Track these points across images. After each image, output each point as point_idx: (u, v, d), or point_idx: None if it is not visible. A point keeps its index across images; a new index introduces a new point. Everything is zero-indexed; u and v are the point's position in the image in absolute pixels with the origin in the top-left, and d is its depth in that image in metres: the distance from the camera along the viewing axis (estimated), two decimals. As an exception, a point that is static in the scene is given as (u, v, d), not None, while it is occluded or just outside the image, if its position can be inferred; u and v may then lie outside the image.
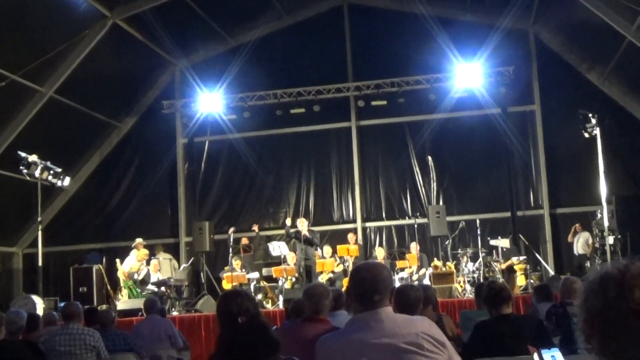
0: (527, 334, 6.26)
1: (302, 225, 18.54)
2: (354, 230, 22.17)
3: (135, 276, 18.73)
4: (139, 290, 18.45)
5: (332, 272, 19.12)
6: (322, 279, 18.62)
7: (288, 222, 19.27)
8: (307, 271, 18.20)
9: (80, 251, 22.81)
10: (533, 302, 9.55)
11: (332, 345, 3.79)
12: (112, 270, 19.85)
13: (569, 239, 20.22)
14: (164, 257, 20.80)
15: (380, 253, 19.88)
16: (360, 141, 23.02)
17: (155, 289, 18.40)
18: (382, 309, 3.71)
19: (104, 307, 17.19)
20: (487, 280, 17.00)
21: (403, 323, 3.72)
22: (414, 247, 19.41)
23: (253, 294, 18.06)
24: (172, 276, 19.72)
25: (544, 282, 17.47)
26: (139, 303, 16.35)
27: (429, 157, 22.44)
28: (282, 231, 20.82)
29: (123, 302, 17.92)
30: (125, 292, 18.67)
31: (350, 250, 19.24)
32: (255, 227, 21.34)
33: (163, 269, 20.19)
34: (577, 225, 20.20)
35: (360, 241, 21.74)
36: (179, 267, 21.41)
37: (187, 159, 23.69)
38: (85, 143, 23.26)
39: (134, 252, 19.56)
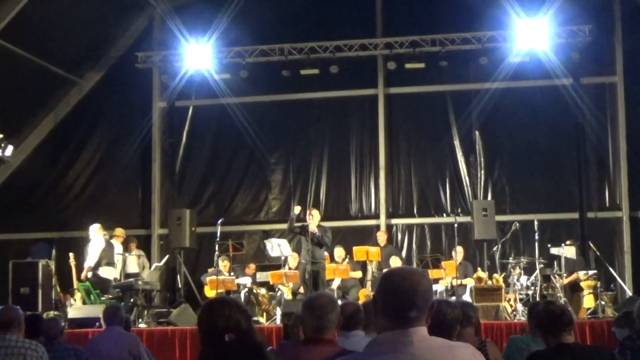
0: (594, 370, 6.23)
1: (313, 218, 18.31)
2: (377, 228, 22.18)
3: (109, 273, 18.77)
4: (98, 294, 18.50)
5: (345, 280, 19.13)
6: (333, 288, 18.58)
7: (296, 210, 18.84)
8: (314, 278, 18.10)
9: (23, 241, 22.91)
10: (614, 330, 9.54)
11: None
12: (63, 267, 19.73)
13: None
14: (132, 254, 20.80)
15: (395, 264, 19.62)
16: (389, 114, 23.01)
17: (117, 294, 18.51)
18: (415, 329, 3.63)
19: (52, 314, 17.18)
20: (544, 299, 16.95)
21: (440, 349, 3.64)
22: (455, 252, 19.34)
23: (243, 302, 18.10)
24: (141, 277, 19.72)
25: (622, 304, 17.41)
26: (96, 310, 16.34)
27: (477, 139, 22.42)
28: (283, 226, 20.74)
29: (76, 308, 17.93)
30: (79, 295, 18.69)
31: (370, 253, 19.19)
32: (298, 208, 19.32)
33: (129, 267, 20.18)
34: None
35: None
36: (150, 266, 21.45)
37: (166, 129, 23.76)
38: (34, 103, 23.30)
39: (98, 237, 19.24)
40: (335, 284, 18.80)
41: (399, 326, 3.62)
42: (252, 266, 20.86)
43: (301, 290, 18.73)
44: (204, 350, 4.60)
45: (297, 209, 18.76)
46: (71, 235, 22.76)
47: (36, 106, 23.41)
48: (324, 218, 19.53)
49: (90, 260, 18.67)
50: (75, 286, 19.04)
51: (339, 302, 6.36)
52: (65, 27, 21.49)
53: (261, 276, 19.51)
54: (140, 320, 17.91)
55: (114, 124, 23.90)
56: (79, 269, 19.40)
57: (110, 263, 19.07)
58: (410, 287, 3.64)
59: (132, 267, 20.59)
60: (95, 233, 18.97)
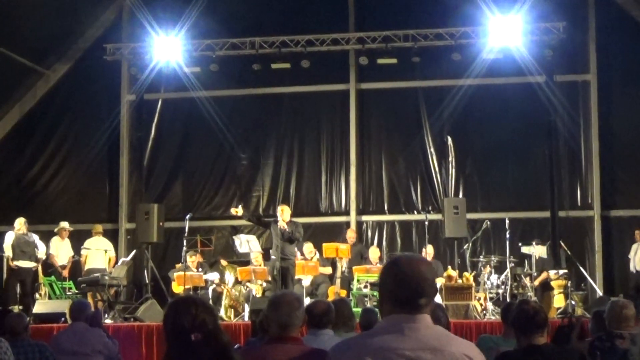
0: (563, 373, 6.22)
1: (283, 213, 18.21)
2: (347, 225, 22.21)
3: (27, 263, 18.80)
4: (64, 288, 18.44)
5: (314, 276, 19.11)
6: (304, 285, 18.60)
7: (237, 211, 18.42)
8: (283, 274, 18.06)
9: (-13, 235, 22.78)
10: (590, 331, 9.56)
11: (356, 351, 3.75)
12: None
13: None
14: (97, 247, 20.65)
15: (374, 254, 19.85)
16: (360, 110, 23.03)
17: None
18: (423, 316, 3.78)
19: (16, 309, 17.08)
20: (514, 298, 17.04)
21: (444, 338, 3.78)
22: (425, 250, 19.37)
23: (211, 301, 18.07)
24: (107, 272, 19.65)
25: (592, 304, 17.50)
26: (62, 306, 16.31)
27: (448, 136, 22.43)
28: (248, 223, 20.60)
29: (41, 303, 17.87)
30: (45, 290, 18.62)
31: (340, 250, 19.19)
32: (237, 210, 18.99)
33: (94, 262, 20.06)
34: (637, 232, 20.21)
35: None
36: (117, 261, 21.36)
37: (134, 122, 23.68)
38: (-1, 94, 23.17)
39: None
40: (306, 282, 18.76)
41: (408, 312, 3.76)
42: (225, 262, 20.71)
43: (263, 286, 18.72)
44: (169, 349, 4.55)
45: (238, 210, 18.54)
46: (36, 228, 22.52)
47: (1, 98, 23.23)
48: (293, 214, 19.46)
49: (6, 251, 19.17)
50: (40, 281, 18.98)
51: (309, 299, 6.38)
52: (32, 17, 21.32)
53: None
54: (106, 315, 17.79)
55: (81, 117, 23.78)
56: (45, 263, 19.38)
57: (25, 252, 19.19)
58: (419, 274, 3.77)
59: (96, 262, 20.38)
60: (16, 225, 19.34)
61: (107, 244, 20.72)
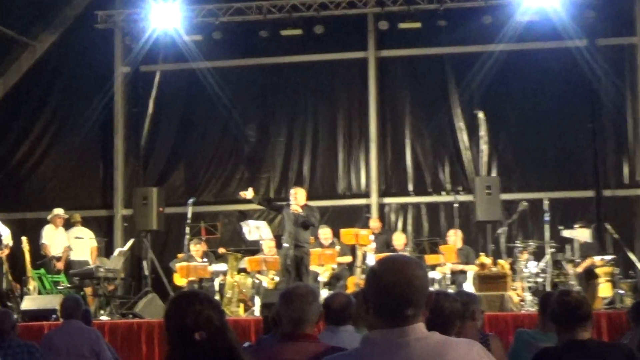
0: (611, 370, 6.22)
1: (297, 196, 18.19)
2: (366, 208, 22.27)
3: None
4: (55, 282, 18.50)
5: (333, 267, 19.11)
6: (323, 276, 18.63)
7: (248, 194, 18.51)
8: (297, 264, 18.07)
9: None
10: (630, 324, 9.56)
11: None
12: (15, 252, 19.67)
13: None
14: (77, 235, 20.70)
15: (399, 240, 19.87)
16: (381, 80, 23.01)
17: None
18: (412, 327, 3.65)
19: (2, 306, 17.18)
20: (555, 287, 17.01)
21: (439, 348, 3.65)
22: (454, 235, 19.39)
23: (218, 294, 18.11)
24: (100, 263, 19.69)
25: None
26: (53, 301, 16.36)
27: (479, 107, 22.28)
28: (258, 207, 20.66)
29: (30, 299, 17.92)
30: (33, 284, 18.68)
31: (360, 236, 19.16)
32: (246, 194, 19.18)
33: (76, 254, 20.12)
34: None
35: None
36: (106, 251, 21.45)
37: (130, 97, 23.73)
38: (-20, 69, 23.21)
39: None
40: (323, 278, 18.75)
41: (394, 325, 3.63)
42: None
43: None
44: (171, 350, 4.57)
45: (247, 193, 18.58)
46: (23, 216, 22.72)
47: (-19, 72, 23.33)
48: (308, 197, 19.38)
49: None
50: (29, 274, 19.03)
51: (326, 291, 6.41)
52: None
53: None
54: (101, 312, 17.89)
55: (70, 92, 23.84)
56: (33, 254, 19.43)
57: None
58: (405, 281, 3.64)
59: (78, 253, 20.44)
60: None
61: (88, 233, 20.79)
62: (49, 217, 20.17)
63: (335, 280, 19.12)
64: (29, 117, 23.91)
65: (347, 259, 19.73)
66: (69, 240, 20.32)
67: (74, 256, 19.95)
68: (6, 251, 18.83)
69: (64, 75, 23.94)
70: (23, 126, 23.90)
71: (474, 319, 7.57)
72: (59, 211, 20.24)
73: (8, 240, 19.17)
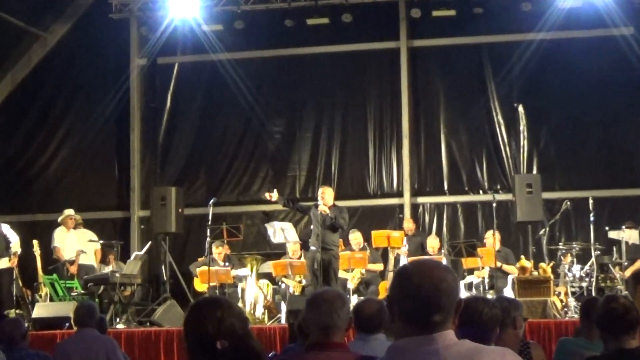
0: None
1: (325, 196, 18.13)
2: (399, 208, 22.25)
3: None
4: (68, 289, 18.49)
5: (362, 272, 19.04)
6: (352, 282, 18.56)
7: (272, 196, 18.39)
8: (325, 268, 18.03)
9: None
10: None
11: None
12: (27, 257, 19.85)
13: None
14: (89, 238, 20.70)
15: (433, 244, 19.76)
16: (413, 72, 22.99)
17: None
18: (440, 335, 3.66)
19: (13, 313, 17.18)
20: (602, 293, 16.86)
21: (471, 357, 3.66)
22: (492, 237, 19.25)
23: (241, 301, 18.03)
24: (115, 268, 19.72)
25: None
26: (66, 309, 16.33)
27: (519, 100, 22.40)
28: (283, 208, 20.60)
29: (42, 306, 17.94)
30: (45, 290, 18.66)
31: (392, 238, 19.22)
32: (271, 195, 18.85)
33: (83, 255, 20.09)
34: None
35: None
36: (129, 255, 21.39)
37: (146, 91, 23.80)
38: (-11, 61, 23.28)
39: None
40: (353, 282, 18.67)
41: (421, 332, 3.66)
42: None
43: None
44: (191, 359, 4.55)
45: (273, 195, 18.43)
46: (34, 218, 22.79)
47: (-10, 65, 23.41)
48: (336, 197, 19.40)
49: None
50: (40, 279, 19.04)
51: (356, 298, 6.35)
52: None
53: (262, 267, 19.43)
54: (117, 320, 17.93)
55: (83, 86, 23.98)
56: (45, 258, 19.40)
57: None
58: (432, 286, 3.67)
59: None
60: None
61: (92, 235, 20.76)
62: (59, 219, 20.13)
63: (364, 286, 19.04)
64: (39, 113, 24.02)
65: (378, 266, 19.70)
66: (81, 243, 20.27)
67: (82, 260, 19.90)
68: (15, 260, 18.80)
69: (76, 69, 24.10)
70: (33, 123, 24.00)
71: (515, 327, 7.72)
72: (70, 212, 20.19)
73: (17, 247, 19.10)
